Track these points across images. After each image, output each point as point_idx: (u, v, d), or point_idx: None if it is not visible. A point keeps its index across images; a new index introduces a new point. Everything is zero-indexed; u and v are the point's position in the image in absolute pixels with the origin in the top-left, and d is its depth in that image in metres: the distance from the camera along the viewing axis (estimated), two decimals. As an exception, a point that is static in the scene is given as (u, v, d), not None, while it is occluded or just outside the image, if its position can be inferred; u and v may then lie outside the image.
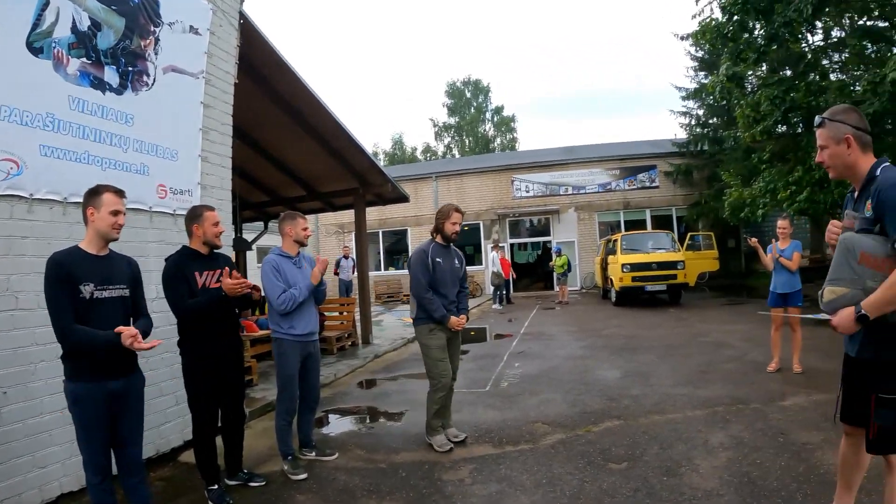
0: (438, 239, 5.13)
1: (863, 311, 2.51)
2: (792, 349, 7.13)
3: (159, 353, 4.73)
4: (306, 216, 5.06)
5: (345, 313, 10.93)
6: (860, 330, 2.62)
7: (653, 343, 9.71)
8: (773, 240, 7.40)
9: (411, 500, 3.97)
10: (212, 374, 4.02)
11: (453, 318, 4.98)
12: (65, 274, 3.02)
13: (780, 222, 7.43)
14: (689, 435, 4.93)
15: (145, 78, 4.95)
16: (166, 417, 5.00)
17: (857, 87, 12.01)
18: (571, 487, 3.97)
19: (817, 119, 2.86)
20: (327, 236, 25.66)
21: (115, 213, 3.21)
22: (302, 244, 4.79)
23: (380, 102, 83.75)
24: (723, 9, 12.82)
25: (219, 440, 4.20)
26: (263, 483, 4.36)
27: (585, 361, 8.52)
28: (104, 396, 3.13)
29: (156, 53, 5.07)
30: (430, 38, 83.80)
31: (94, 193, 3.21)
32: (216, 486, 4.07)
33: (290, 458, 4.60)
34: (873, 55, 13.36)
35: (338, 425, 6.22)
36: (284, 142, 9.42)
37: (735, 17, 12.60)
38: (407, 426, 5.79)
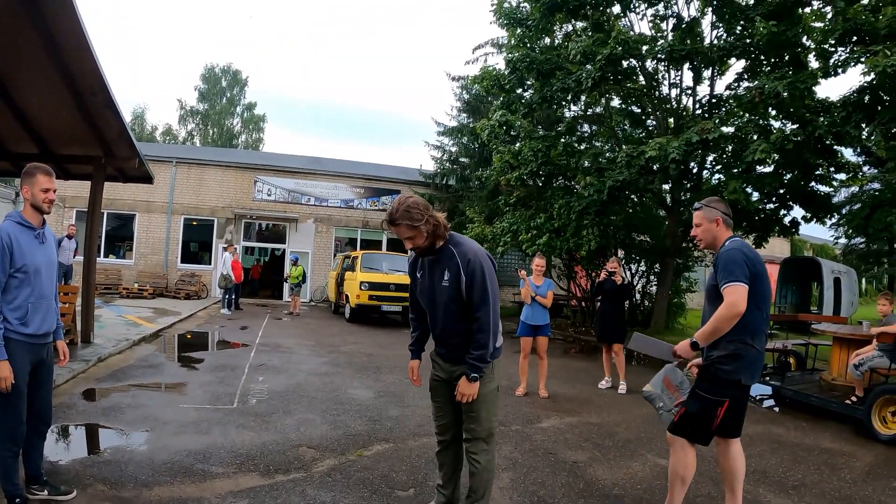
0: None
1: (694, 340, 3.37)
2: (538, 376, 7.85)
3: None
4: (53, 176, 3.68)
5: (66, 304, 8.84)
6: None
7: (395, 363, 9.80)
8: (522, 273, 8.04)
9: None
10: None
11: (412, 362, 3.78)
12: None
13: (536, 260, 8.19)
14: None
15: None
16: None
17: (605, 157, 14.01)
18: (365, 521, 3.71)
19: (697, 204, 3.66)
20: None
21: None
22: (41, 211, 3.56)
23: (126, 69, 72.16)
24: (508, 62, 14.00)
25: None
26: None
27: (333, 378, 8.29)
28: None
29: None
30: (194, 13, 76.70)
31: None
32: None
33: (18, 500, 3.44)
34: (620, 133, 15.63)
35: (68, 450, 4.89)
36: (30, 82, 7.50)
37: (517, 73, 13.82)
38: (153, 452, 4.80)
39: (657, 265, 16.11)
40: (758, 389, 8.81)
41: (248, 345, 11.17)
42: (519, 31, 14.55)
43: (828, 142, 10.43)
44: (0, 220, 3.59)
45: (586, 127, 18.08)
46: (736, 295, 3.19)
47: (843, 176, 12.72)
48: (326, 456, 4.92)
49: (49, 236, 3.69)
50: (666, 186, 14.40)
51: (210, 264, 22.94)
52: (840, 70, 10.44)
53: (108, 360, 8.62)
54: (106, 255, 22.69)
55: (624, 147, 12.73)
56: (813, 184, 12.40)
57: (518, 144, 14.84)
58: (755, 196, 12.74)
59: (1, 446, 3.39)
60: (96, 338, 9.66)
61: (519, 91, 14.98)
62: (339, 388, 7.70)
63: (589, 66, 12.61)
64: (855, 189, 16.66)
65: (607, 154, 14.42)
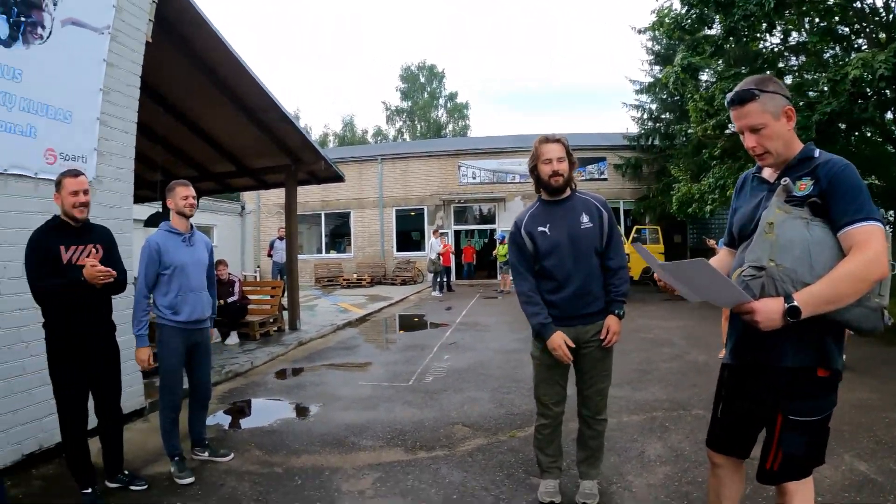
0: (543, 194, 3.52)
1: (795, 305, 1.94)
2: None
3: (41, 337, 4.20)
4: (191, 187, 4.41)
5: (272, 297, 10.63)
6: (784, 332, 2.02)
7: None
8: (712, 242, 7.31)
9: (298, 516, 3.59)
10: (77, 360, 3.59)
11: (555, 337, 3.24)
12: None
13: None
14: (623, 445, 4.52)
15: (39, 30, 4.38)
16: (50, 408, 4.23)
17: (813, 91, 12.05)
18: (482, 507, 3.61)
19: (744, 91, 2.19)
20: (269, 216, 24.66)
21: None
22: (185, 216, 4.23)
23: (333, 83, 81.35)
24: (682, 0, 12.66)
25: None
26: (145, 487, 3.90)
27: (518, 356, 8.10)
28: None
29: (54, 4, 4.50)
30: (386, 20, 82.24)
31: None
32: (90, 490, 3.62)
33: (176, 458, 4.13)
34: (830, 59, 13.39)
35: (242, 420, 5.77)
36: (210, 113, 8.76)
37: (694, 9, 12.46)
38: (314, 424, 5.33)
39: (892, 212, 13.53)
40: None
41: (448, 324, 11.57)
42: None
43: None
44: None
45: (794, 60, 15.68)
46: (879, 243, 1.94)
47: None
48: (478, 435, 4.91)
49: (198, 241, 4.33)
50: (889, 115, 12.00)
51: (424, 251, 24.12)
52: None
53: (309, 344, 9.57)
54: (328, 251, 25.35)
55: (825, 73, 10.76)
56: None
57: (711, 88, 13.34)
58: None
59: (162, 414, 4.16)
60: (303, 325, 10.78)
61: (704, 30, 13.42)
62: (520, 364, 7.46)
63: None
64: None
65: (821, 85, 12.29)
